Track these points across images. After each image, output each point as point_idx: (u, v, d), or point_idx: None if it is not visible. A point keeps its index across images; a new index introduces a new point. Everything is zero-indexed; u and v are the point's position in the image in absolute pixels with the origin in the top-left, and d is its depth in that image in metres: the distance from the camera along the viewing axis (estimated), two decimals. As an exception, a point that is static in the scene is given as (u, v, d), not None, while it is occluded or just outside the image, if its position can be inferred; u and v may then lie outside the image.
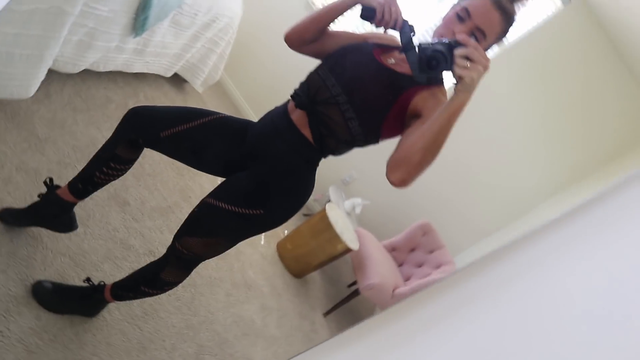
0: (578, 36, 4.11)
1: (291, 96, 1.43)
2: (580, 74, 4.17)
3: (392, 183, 1.21)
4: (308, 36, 1.43)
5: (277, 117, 1.41)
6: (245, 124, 1.52)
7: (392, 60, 1.38)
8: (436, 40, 1.14)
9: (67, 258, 1.69)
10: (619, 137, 4.24)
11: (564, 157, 4.32)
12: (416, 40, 1.21)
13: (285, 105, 1.46)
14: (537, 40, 4.14)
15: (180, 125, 1.46)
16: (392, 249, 3.90)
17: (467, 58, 1.08)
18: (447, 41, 1.12)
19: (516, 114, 4.29)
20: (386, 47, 1.44)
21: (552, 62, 4.16)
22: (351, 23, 4.44)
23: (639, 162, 3.96)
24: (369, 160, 4.33)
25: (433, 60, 1.13)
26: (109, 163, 1.51)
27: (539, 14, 4.20)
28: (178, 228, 1.43)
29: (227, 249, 1.46)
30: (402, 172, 1.19)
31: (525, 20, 4.19)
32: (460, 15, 1.29)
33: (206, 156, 1.50)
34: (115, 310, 1.73)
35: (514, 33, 4.13)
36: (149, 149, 1.54)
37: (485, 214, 4.47)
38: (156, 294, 1.54)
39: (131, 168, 1.61)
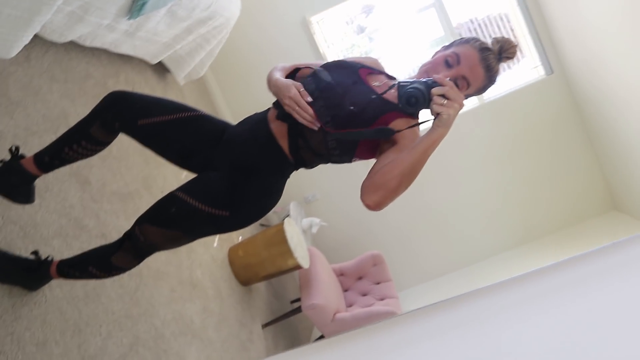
0: (552, 105, 4.30)
1: (273, 104, 1.46)
2: (548, 140, 4.35)
3: (367, 206, 1.26)
4: None
5: (256, 125, 1.44)
6: (223, 125, 1.55)
7: (377, 83, 1.44)
8: (415, 80, 1.22)
9: (17, 227, 1.65)
10: (573, 207, 4.43)
11: (520, 217, 4.47)
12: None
13: (266, 113, 1.49)
14: (515, 101, 4.31)
15: (159, 117, 1.47)
16: (340, 274, 3.93)
17: (444, 96, 1.16)
18: (424, 80, 1.21)
19: (483, 166, 4.43)
20: (373, 70, 1.49)
21: (524, 124, 4.33)
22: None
23: (589, 234, 4.14)
24: (333, 184, 4.39)
25: (412, 98, 1.21)
26: (80, 141, 1.50)
27: (521, 78, 4.38)
28: (141, 214, 1.43)
29: (183, 244, 1.47)
30: (378, 196, 1.25)
31: (507, 81, 4.36)
32: (449, 62, 1.36)
33: (180, 150, 1.51)
34: (56, 288, 1.69)
35: (495, 90, 4.30)
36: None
37: (435, 256, 4.57)
38: (102, 277, 1.52)
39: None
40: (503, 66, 1.41)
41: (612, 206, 4.45)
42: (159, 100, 1.53)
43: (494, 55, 1.36)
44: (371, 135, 1.33)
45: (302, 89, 1.35)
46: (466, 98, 1.40)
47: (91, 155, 1.54)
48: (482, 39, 1.40)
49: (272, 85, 1.41)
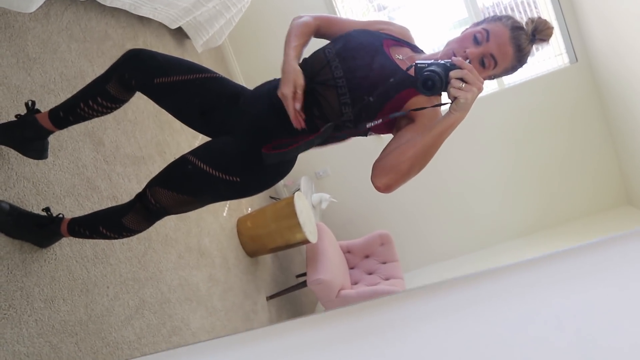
0: (574, 94, 4.22)
1: None
2: (566, 129, 4.28)
3: (377, 188, 1.24)
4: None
5: (274, 91, 1.41)
6: (240, 89, 1.52)
7: (400, 56, 1.40)
8: (433, 62, 1.18)
9: (30, 184, 1.65)
10: (587, 199, 4.38)
11: (532, 205, 4.43)
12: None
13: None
14: (535, 88, 4.23)
15: (176, 76, 1.45)
16: (347, 251, 3.93)
17: (462, 80, 1.12)
18: (442, 62, 1.17)
19: (498, 152, 4.38)
20: (397, 41, 1.45)
21: (543, 112, 4.26)
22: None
23: (601, 227, 4.10)
24: (346, 161, 4.36)
25: (429, 81, 1.17)
26: (96, 97, 1.48)
27: (544, 65, 4.29)
28: (153, 177, 1.42)
29: (194, 209, 1.47)
30: (388, 179, 1.22)
31: (530, 68, 4.28)
32: (478, 38, 1.31)
33: (194, 112, 1.49)
34: (66, 247, 1.70)
35: (517, 76, 4.23)
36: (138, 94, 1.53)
37: (444, 239, 4.56)
38: (112, 238, 1.53)
39: (114, 112, 1.59)
40: (534, 46, 1.35)
41: (626, 200, 4.40)
42: (176, 60, 1.51)
43: (527, 35, 1.32)
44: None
45: (299, 91, 1.31)
46: (493, 78, 1.36)
47: (106, 113, 1.53)
48: (515, 17, 1.35)
49: (283, 58, 1.38)
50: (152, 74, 1.44)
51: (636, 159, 4.02)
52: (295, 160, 1.49)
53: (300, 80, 1.32)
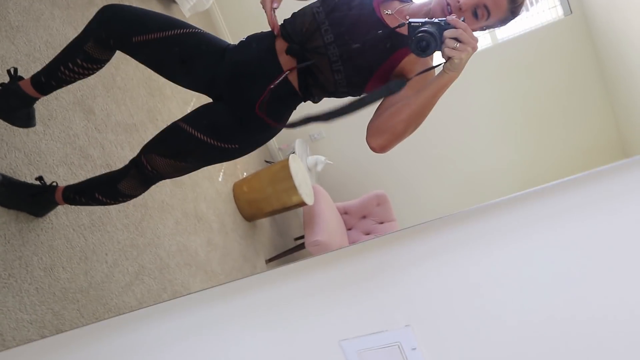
0: (569, 48, 4.16)
1: (282, 35, 1.39)
2: (562, 84, 4.25)
3: (372, 148, 1.25)
4: None
5: (265, 55, 1.38)
6: (225, 45, 1.48)
7: (389, 12, 1.37)
8: (426, 21, 1.16)
9: (22, 154, 1.65)
10: (583, 155, 4.38)
11: (527, 162, 4.43)
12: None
13: (273, 41, 1.41)
14: (529, 43, 4.17)
15: (155, 33, 1.41)
16: (344, 212, 3.96)
17: (456, 39, 1.11)
18: (437, 21, 1.15)
19: (494, 107, 4.35)
20: None
21: (537, 67, 4.21)
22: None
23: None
24: (340, 123, 4.34)
25: (423, 42, 1.15)
26: (76, 60, 1.45)
27: (538, 18, 4.22)
28: (146, 142, 1.42)
29: (190, 172, 1.47)
30: (383, 139, 1.23)
31: (523, 22, 4.21)
32: None
33: (175, 62, 1.46)
34: (62, 216, 1.71)
35: (510, 30, 4.16)
36: (123, 57, 1.50)
37: (440, 198, 4.58)
38: (108, 204, 1.53)
39: (103, 78, 1.57)
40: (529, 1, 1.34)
41: (622, 154, 4.41)
42: (154, 15, 1.46)
43: None
44: (381, 94, 1.29)
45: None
46: (485, 29, 1.35)
47: (88, 74, 1.50)
48: None
49: None
50: (129, 33, 1.40)
51: (632, 112, 4.02)
52: (288, 118, 1.48)
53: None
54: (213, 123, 1.37)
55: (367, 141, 1.27)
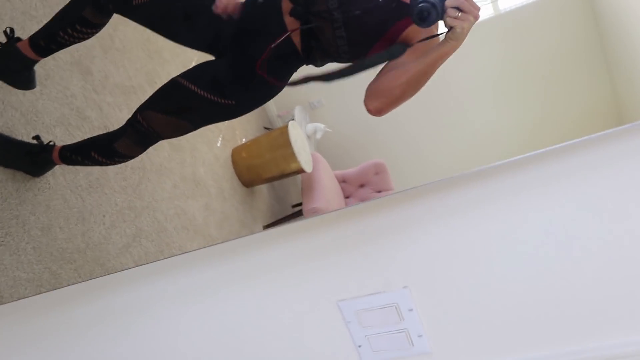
0: (570, 16, 4.11)
1: None
2: (563, 52, 4.21)
3: (368, 110, 1.25)
4: None
5: (270, 14, 1.37)
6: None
7: None
8: None
9: (18, 113, 1.63)
10: (582, 125, 4.36)
11: (526, 132, 4.42)
12: None
13: (279, 1, 1.40)
14: (531, 13, 4.11)
15: None
16: (342, 180, 3.95)
17: (458, 8, 1.11)
18: None
19: (495, 77, 4.32)
20: None
21: (539, 36, 4.16)
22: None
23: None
24: (340, 91, 4.29)
25: (424, 12, 1.15)
26: (74, 25, 1.43)
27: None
28: (144, 101, 1.40)
29: (187, 132, 1.46)
30: (380, 102, 1.23)
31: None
32: None
33: (179, 18, 1.45)
34: (60, 176, 1.70)
35: (513, 0, 4.10)
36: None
37: (440, 165, 4.57)
38: (105, 164, 1.53)
39: (101, 39, 1.54)
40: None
41: (619, 121, 4.39)
42: None
43: None
44: (384, 59, 1.29)
45: None
46: None
47: (88, 37, 1.49)
48: None
49: None
50: None
51: (632, 82, 3.98)
52: (289, 79, 1.47)
53: None
54: (211, 77, 1.36)
55: (364, 103, 1.28)
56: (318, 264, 0.99)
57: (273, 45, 1.31)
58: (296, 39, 1.35)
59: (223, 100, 1.34)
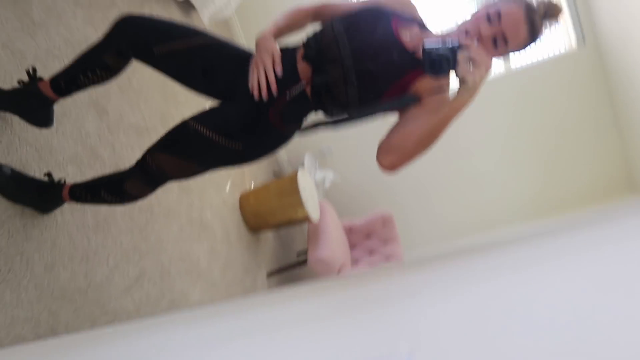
0: (582, 78, 4.17)
1: (303, 44, 1.42)
2: (573, 114, 4.24)
3: (382, 166, 1.24)
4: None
5: (284, 62, 1.39)
6: (248, 54, 1.48)
7: (408, 36, 1.37)
8: (441, 43, 1.16)
9: (33, 149, 1.64)
10: (591, 186, 4.35)
11: (535, 190, 4.41)
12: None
13: (295, 50, 1.43)
14: (542, 72, 4.18)
15: (175, 43, 1.40)
16: (349, 230, 3.93)
17: (470, 60, 1.12)
18: (450, 45, 1.15)
19: (504, 134, 4.35)
20: (405, 19, 1.43)
21: (550, 95, 4.21)
22: None
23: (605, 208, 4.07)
24: (351, 140, 4.33)
25: (436, 63, 1.16)
26: (95, 69, 1.46)
27: (552, 48, 4.23)
28: (153, 142, 1.41)
29: (195, 175, 1.45)
30: (393, 158, 1.22)
31: (538, 50, 4.21)
32: (491, 17, 1.29)
33: (197, 72, 1.46)
34: (68, 214, 1.69)
35: (524, 58, 4.17)
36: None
37: (446, 220, 4.55)
38: (113, 203, 1.52)
39: (118, 79, 1.56)
40: (547, 24, 1.34)
41: (628, 187, 4.37)
42: (174, 24, 1.45)
43: (539, 14, 1.30)
44: (394, 106, 1.29)
45: (277, 58, 1.34)
46: (504, 55, 1.34)
47: (107, 80, 1.50)
48: None
49: (260, 36, 1.40)
50: (150, 44, 1.40)
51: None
52: (297, 129, 1.47)
53: (277, 50, 1.36)
54: (221, 121, 1.37)
55: (377, 159, 1.27)
56: (322, 326, 0.96)
57: (288, 99, 1.33)
58: (307, 87, 1.37)
59: (230, 144, 1.34)
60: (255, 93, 1.33)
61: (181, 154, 1.37)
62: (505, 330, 0.86)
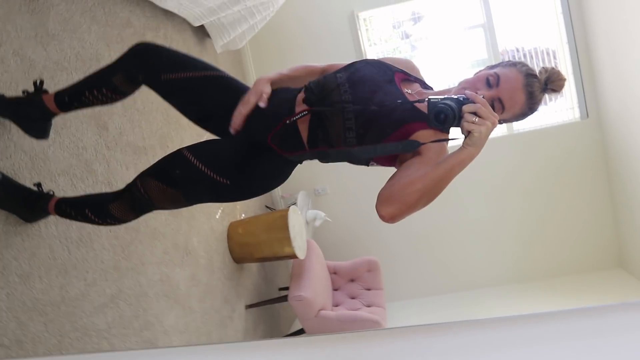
0: (581, 150, 4.22)
1: (305, 87, 1.42)
2: (568, 184, 4.28)
3: (381, 217, 1.22)
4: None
5: (284, 103, 1.41)
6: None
7: (409, 91, 1.40)
8: (446, 97, 1.18)
9: (27, 157, 1.65)
10: (580, 256, 4.36)
11: (524, 255, 4.41)
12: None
13: (296, 93, 1.44)
14: (543, 139, 4.24)
15: (183, 73, 1.44)
16: (333, 272, 3.91)
17: (476, 114, 1.12)
18: (456, 97, 1.17)
19: (498, 196, 4.37)
20: (407, 76, 1.45)
21: (548, 162, 4.26)
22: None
23: (590, 287, 4.08)
24: (346, 183, 4.37)
25: (441, 114, 1.16)
26: (102, 88, 1.48)
27: (555, 117, 4.31)
28: (145, 168, 1.42)
29: (181, 206, 1.46)
30: (394, 209, 1.20)
31: (540, 117, 4.29)
32: (490, 81, 1.31)
33: (200, 109, 1.50)
34: (52, 226, 1.69)
35: (526, 123, 4.23)
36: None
37: (431, 275, 4.53)
38: (96, 223, 1.52)
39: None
40: (546, 96, 1.36)
41: (618, 264, 4.37)
42: (184, 56, 1.50)
43: (540, 83, 1.32)
44: (394, 149, 1.28)
45: (264, 96, 1.40)
46: (501, 123, 1.35)
47: (111, 102, 1.53)
48: (529, 64, 1.35)
49: (258, 78, 1.45)
50: (158, 71, 1.44)
51: (634, 222, 4.01)
52: (290, 174, 1.49)
53: (267, 91, 1.41)
54: (212, 153, 1.39)
55: (377, 209, 1.24)
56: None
57: (287, 121, 1.35)
58: (303, 127, 1.37)
59: (215, 176, 1.35)
60: (232, 126, 1.39)
61: (170, 182, 1.38)
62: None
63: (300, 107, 1.39)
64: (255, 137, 1.41)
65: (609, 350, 0.81)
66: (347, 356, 0.91)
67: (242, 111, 1.38)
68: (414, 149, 1.27)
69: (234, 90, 1.48)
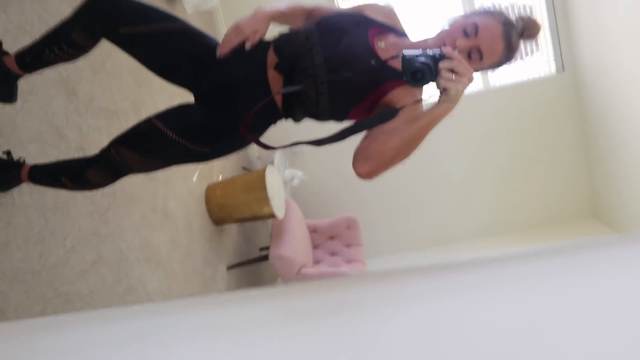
0: (557, 103, 4.28)
1: (274, 49, 1.37)
2: (544, 136, 4.35)
3: (358, 174, 1.23)
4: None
5: (253, 68, 1.37)
6: (214, 45, 1.43)
7: (383, 45, 1.36)
8: (421, 53, 1.16)
9: (-5, 125, 1.61)
10: (555, 208, 4.47)
11: (500, 207, 4.51)
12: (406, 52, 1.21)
13: (265, 54, 1.38)
14: (519, 93, 4.27)
15: (142, 25, 1.37)
16: (313, 230, 3.95)
17: (452, 70, 1.12)
18: (432, 53, 1.15)
19: (475, 150, 4.42)
20: (383, 28, 1.41)
21: (524, 116, 4.31)
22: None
23: (564, 237, 4.20)
24: (323, 140, 4.35)
25: (418, 72, 1.15)
26: (61, 44, 1.42)
27: (531, 71, 4.32)
28: (118, 135, 1.40)
29: (157, 169, 1.45)
30: (370, 166, 1.21)
31: (517, 71, 4.30)
32: (467, 31, 1.29)
33: (162, 63, 1.44)
34: (26, 194, 1.67)
35: (502, 78, 4.25)
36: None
37: (410, 230, 4.61)
38: (73, 189, 1.51)
39: (92, 61, 1.55)
40: (524, 43, 1.35)
41: (592, 214, 4.50)
42: (144, 6, 1.41)
43: (517, 31, 1.31)
44: (372, 123, 1.26)
45: (257, 36, 1.37)
46: (478, 70, 1.34)
47: (74, 58, 1.47)
48: (506, 13, 1.33)
49: (259, 10, 1.41)
50: (116, 23, 1.37)
51: (607, 174, 4.12)
52: (263, 134, 1.47)
53: (262, 33, 1.38)
54: (187, 124, 1.36)
55: (353, 167, 1.25)
56: (261, 335, 0.97)
57: (257, 108, 1.30)
58: (277, 96, 1.35)
59: (194, 146, 1.34)
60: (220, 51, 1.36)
61: (143, 151, 1.37)
62: (453, 353, 0.88)
63: (271, 71, 1.36)
64: (228, 105, 1.38)
65: (578, 289, 0.84)
66: (324, 303, 0.93)
67: (232, 40, 1.35)
68: (394, 117, 1.26)
69: (198, 40, 1.43)
